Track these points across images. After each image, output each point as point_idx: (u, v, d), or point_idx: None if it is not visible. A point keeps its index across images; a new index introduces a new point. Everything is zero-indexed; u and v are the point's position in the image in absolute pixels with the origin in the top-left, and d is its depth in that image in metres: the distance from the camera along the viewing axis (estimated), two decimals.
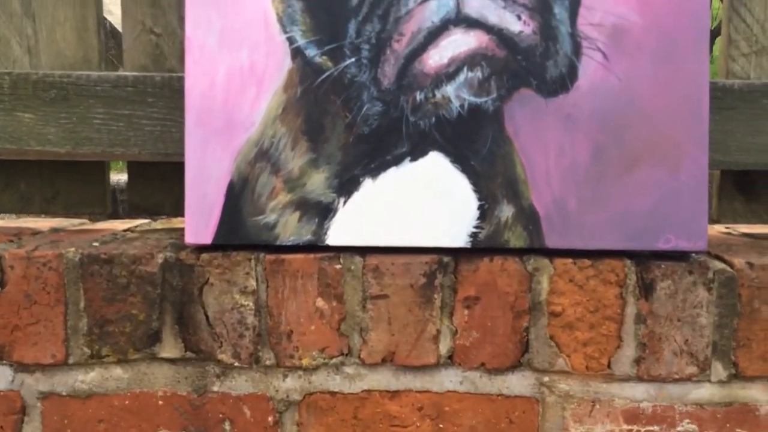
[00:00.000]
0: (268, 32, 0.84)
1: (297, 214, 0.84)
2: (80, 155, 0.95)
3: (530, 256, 0.83)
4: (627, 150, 0.83)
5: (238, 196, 0.84)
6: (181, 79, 0.94)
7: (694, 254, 0.85)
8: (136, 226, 1.05)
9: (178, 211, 1.03)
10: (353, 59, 0.83)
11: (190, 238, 0.84)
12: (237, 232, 0.84)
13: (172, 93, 0.94)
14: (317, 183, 0.84)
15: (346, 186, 0.84)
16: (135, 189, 1.03)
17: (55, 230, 1.01)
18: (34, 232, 0.98)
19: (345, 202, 0.84)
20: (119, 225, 1.06)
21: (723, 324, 0.82)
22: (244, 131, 0.84)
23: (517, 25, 0.82)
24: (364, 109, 0.83)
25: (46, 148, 0.95)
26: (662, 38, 0.83)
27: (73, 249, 0.84)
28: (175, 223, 1.08)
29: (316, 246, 0.84)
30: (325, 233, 0.84)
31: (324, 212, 0.84)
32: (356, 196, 0.84)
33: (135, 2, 0.99)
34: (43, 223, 1.07)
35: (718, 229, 1.08)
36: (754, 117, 0.94)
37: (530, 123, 0.83)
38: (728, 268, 0.82)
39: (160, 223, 1.08)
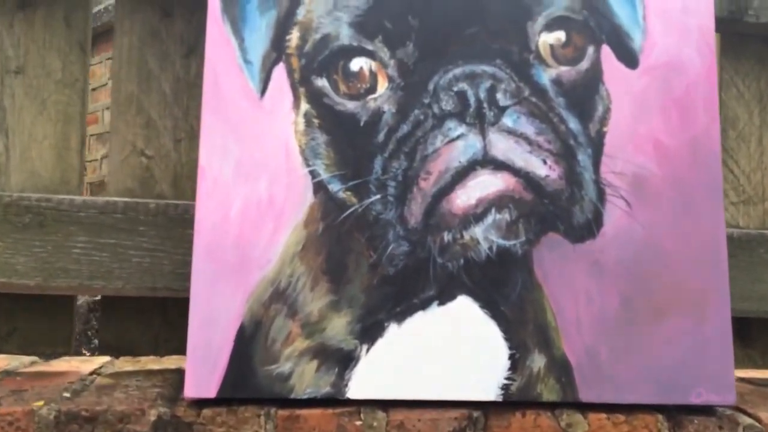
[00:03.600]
0: (289, 164, 0.78)
1: (315, 363, 0.75)
2: (52, 288, 0.83)
3: (563, 411, 0.78)
4: (654, 299, 0.81)
5: (249, 342, 0.75)
6: (177, 207, 0.86)
7: (719, 408, 0.82)
8: (101, 367, 0.92)
9: (156, 351, 0.91)
10: (379, 196, 0.78)
11: (190, 391, 0.73)
12: (246, 383, 0.74)
13: (166, 221, 0.86)
14: (338, 328, 0.76)
15: (370, 332, 0.77)
16: (107, 326, 0.90)
17: (7, 373, 0.86)
18: None
19: (368, 350, 0.76)
20: (80, 366, 0.92)
21: None
22: (259, 269, 0.76)
23: (543, 169, 0.81)
24: (390, 248, 0.78)
25: (11, 280, 0.82)
26: (679, 187, 0.84)
27: (43, 403, 0.71)
28: (145, 363, 0.96)
29: (334, 399, 0.75)
30: (346, 385, 0.75)
31: (345, 361, 0.76)
32: (380, 343, 0.77)
33: (126, 122, 0.91)
34: None
35: None
36: (753, 265, 0.97)
37: (559, 268, 0.80)
38: (756, 424, 0.80)
39: (127, 363, 0.95)
